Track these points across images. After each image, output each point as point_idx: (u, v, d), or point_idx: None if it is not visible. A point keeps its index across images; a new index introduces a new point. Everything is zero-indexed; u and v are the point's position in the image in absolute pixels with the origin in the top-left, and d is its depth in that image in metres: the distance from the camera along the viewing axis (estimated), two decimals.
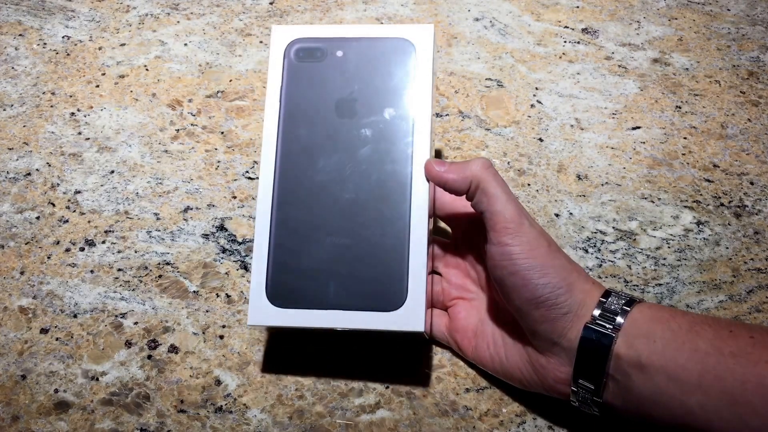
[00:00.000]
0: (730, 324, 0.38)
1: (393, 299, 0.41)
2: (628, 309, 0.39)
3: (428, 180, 0.43)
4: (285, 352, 0.46)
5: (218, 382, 0.45)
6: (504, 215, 0.40)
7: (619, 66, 0.64)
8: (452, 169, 0.42)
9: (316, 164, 0.43)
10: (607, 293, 0.40)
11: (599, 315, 0.39)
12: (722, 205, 0.55)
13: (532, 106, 0.60)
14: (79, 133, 0.58)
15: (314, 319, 0.41)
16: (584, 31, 0.67)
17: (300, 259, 0.42)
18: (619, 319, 0.38)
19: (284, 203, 0.43)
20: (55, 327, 0.47)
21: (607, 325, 0.38)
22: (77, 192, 0.54)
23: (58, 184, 0.54)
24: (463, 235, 0.47)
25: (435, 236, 0.48)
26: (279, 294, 0.42)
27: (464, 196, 0.42)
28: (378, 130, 0.44)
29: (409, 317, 0.41)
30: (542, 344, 0.40)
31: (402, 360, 0.46)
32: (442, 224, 0.52)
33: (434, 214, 0.47)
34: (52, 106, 0.59)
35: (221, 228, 0.52)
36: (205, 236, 0.52)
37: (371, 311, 0.41)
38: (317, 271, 0.42)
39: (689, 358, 0.36)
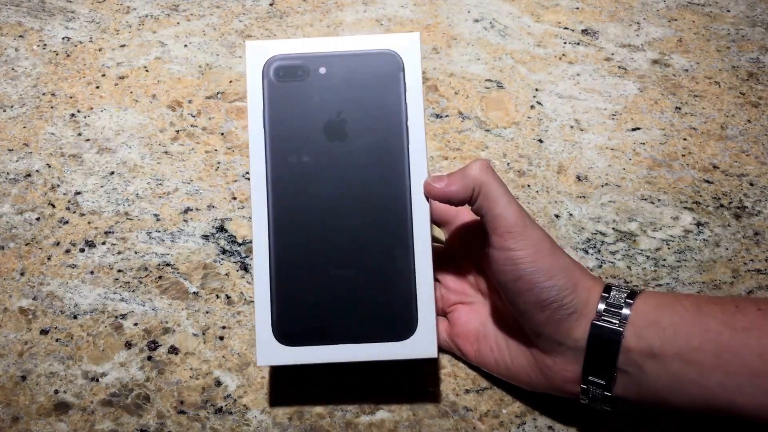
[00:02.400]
0: (734, 300, 0.38)
1: (404, 327, 0.41)
2: (632, 301, 0.39)
3: (430, 199, 0.41)
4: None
5: (218, 383, 0.45)
6: (506, 219, 0.40)
7: (619, 67, 0.64)
8: (453, 181, 0.41)
9: (310, 193, 0.41)
10: (608, 287, 0.40)
11: (604, 310, 0.39)
12: (722, 206, 0.55)
13: (532, 107, 0.60)
14: (79, 134, 0.58)
15: (325, 355, 0.40)
16: (584, 32, 0.67)
17: (304, 294, 0.41)
18: (625, 311, 0.38)
19: (281, 237, 0.41)
20: (55, 328, 0.47)
21: (613, 320, 0.38)
22: (77, 193, 0.54)
23: (58, 185, 0.54)
24: (459, 239, 0.47)
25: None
26: (286, 332, 0.41)
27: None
28: (371, 151, 0.42)
29: (421, 344, 0.40)
30: (547, 345, 0.40)
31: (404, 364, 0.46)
32: (436, 229, 0.52)
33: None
34: (52, 107, 0.60)
35: (221, 229, 0.52)
36: (205, 237, 0.52)
37: (383, 342, 0.40)
38: (323, 305, 0.41)
39: (703, 339, 0.36)
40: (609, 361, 0.38)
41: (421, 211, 0.42)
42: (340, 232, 0.41)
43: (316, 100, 0.42)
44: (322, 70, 0.42)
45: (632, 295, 0.39)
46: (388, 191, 0.41)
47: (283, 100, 0.42)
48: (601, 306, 0.39)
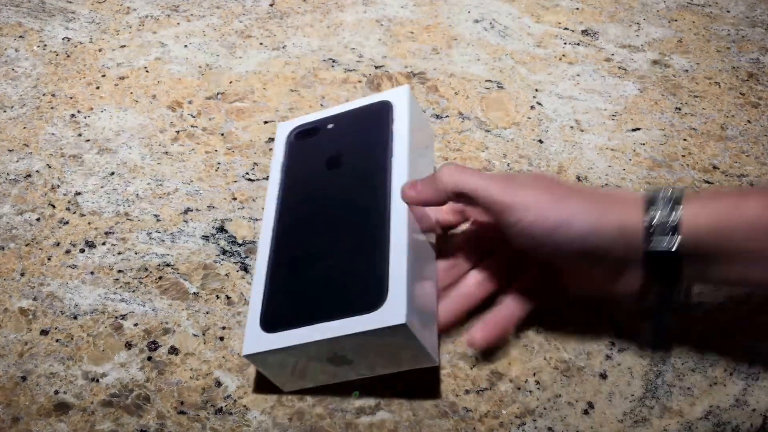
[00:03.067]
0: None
1: (374, 299, 0.41)
2: (678, 213, 0.37)
3: (407, 203, 0.43)
4: None
5: (218, 384, 0.45)
6: (492, 202, 0.39)
7: (619, 68, 0.64)
8: (424, 189, 0.42)
9: (308, 208, 0.47)
10: (649, 201, 0.38)
11: (652, 232, 0.37)
12: None
13: (532, 107, 0.60)
14: (80, 135, 0.58)
15: (303, 335, 0.41)
16: (584, 32, 0.67)
17: (291, 286, 0.44)
18: (674, 227, 0.37)
19: (280, 241, 0.46)
20: (56, 328, 0.47)
21: (665, 239, 0.37)
22: (77, 193, 0.54)
23: (58, 186, 0.54)
24: (480, 230, 0.47)
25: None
26: (271, 321, 0.42)
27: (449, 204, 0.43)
28: (360, 172, 0.47)
29: (390, 313, 0.40)
30: (606, 278, 0.39)
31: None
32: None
33: (439, 232, 0.49)
34: (52, 108, 0.60)
35: (221, 229, 0.52)
36: (205, 238, 0.52)
37: (355, 315, 0.41)
38: (305, 293, 0.43)
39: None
40: (672, 278, 0.37)
41: (398, 203, 0.44)
42: (328, 233, 0.45)
43: (323, 146, 0.50)
44: (330, 126, 0.50)
45: (675, 204, 0.37)
46: (370, 193, 0.45)
47: (299, 151, 0.50)
48: (647, 228, 0.37)
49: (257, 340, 0.42)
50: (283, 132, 0.52)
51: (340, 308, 0.41)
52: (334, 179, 0.47)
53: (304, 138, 0.51)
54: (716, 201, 0.38)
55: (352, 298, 0.42)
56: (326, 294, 0.42)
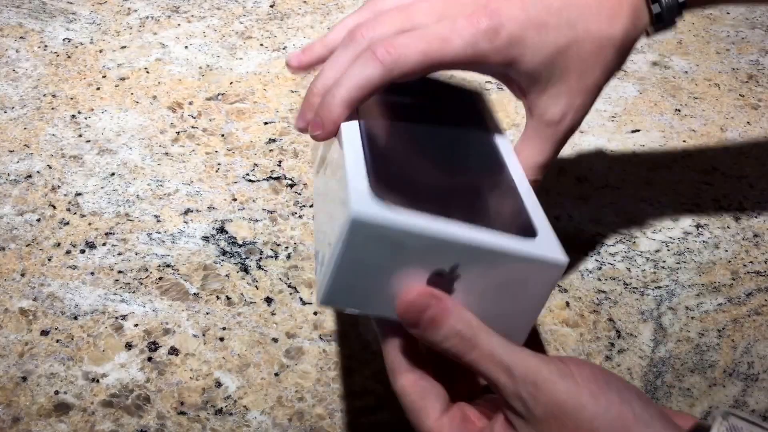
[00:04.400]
0: None
1: (524, 227, 0.33)
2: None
3: None
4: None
5: (218, 384, 0.45)
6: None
7: None
8: None
9: (407, 109, 0.38)
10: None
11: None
12: (721, 208, 0.55)
13: None
14: (80, 136, 0.58)
15: (439, 227, 0.29)
16: None
17: (402, 165, 0.34)
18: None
19: (375, 129, 0.35)
20: (56, 329, 0.47)
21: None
22: (78, 194, 0.54)
23: (58, 187, 0.54)
24: None
25: None
26: (386, 189, 0.30)
27: None
28: (463, 122, 0.40)
29: (548, 249, 0.32)
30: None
31: None
32: None
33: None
34: (53, 109, 0.60)
35: (221, 230, 0.52)
36: (206, 238, 0.52)
37: (506, 233, 0.31)
38: (427, 180, 0.33)
39: None
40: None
41: (511, 157, 0.39)
42: (436, 136, 0.37)
43: (413, 86, 0.38)
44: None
45: None
46: (478, 137, 0.39)
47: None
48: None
49: (371, 204, 0.29)
50: None
51: (482, 218, 0.32)
52: (435, 110, 0.39)
53: None
54: None
55: (495, 213, 0.33)
56: (456, 193, 0.33)
